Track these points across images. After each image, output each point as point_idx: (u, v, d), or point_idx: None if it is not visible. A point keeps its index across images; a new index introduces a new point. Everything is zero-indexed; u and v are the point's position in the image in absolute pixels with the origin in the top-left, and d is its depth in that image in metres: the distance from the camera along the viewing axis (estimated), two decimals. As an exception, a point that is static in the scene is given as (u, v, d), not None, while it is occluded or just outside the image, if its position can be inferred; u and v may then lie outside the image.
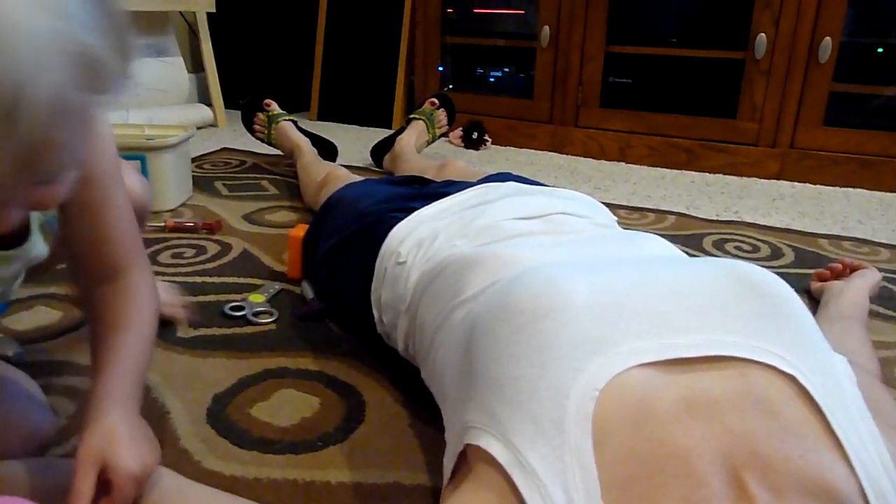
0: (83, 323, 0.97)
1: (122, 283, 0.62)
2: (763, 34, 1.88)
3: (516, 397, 0.48)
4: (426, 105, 1.95)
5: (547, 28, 2.20)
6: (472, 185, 0.96)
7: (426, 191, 0.99)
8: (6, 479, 0.57)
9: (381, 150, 1.90)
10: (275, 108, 1.86)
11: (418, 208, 0.88)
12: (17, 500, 0.51)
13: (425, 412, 0.78)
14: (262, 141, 1.87)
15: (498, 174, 1.12)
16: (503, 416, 0.48)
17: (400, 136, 1.84)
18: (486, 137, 2.29)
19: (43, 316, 1.00)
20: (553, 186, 1.04)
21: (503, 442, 0.47)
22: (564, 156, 2.24)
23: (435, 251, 0.76)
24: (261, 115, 1.85)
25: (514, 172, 1.39)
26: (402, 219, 0.86)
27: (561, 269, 0.56)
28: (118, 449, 0.53)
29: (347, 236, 0.94)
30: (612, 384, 0.48)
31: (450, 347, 0.62)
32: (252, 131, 1.87)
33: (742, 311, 0.51)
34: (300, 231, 1.10)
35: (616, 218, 0.93)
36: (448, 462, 0.55)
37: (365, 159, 2.02)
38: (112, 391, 0.57)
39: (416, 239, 0.81)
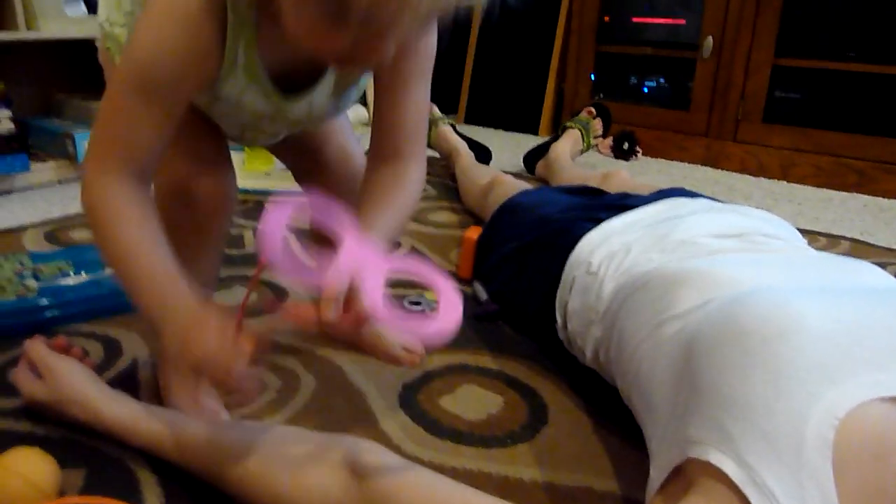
0: (278, 302, 1.06)
1: (399, 167, 0.68)
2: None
3: (750, 416, 0.49)
4: (583, 114, 1.95)
5: (710, 38, 2.13)
6: (654, 199, 0.96)
7: (607, 202, 1.00)
8: None
9: (534, 157, 1.92)
10: (435, 111, 1.93)
11: (605, 219, 0.89)
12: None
13: (607, 421, 0.79)
14: (421, 142, 1.95)
15: (672, 189, 1.11)
16: (735, 433, 0.49)
17: (555, 144, 1.85)
18: (637, 148, 2.25)
19: (240, 296, 1.10)
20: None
21: (736, 460, 0.48)
22: (720, 171, 2.16)
23: (630, 264, 0.77)
24: (422, 118, 1.92)
25: (672, 185, 1.37)
26: (590, 228, 0.87)
27: (788, 292, 0.56)
28: (365, 274, 0.55)
29: (529, 242, 0.96)
30: (853, 414, 0.47)
31: (658, 361, 0.63)
32: (412, 133, 1.95)
33: None
34: (474, 234, 1.14)
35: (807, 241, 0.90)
36: (659, 473, 0.56)
37: (516, 165, 2.05)
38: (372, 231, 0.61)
39: (607, 250, 0.82)
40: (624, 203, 0.95)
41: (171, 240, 0.71)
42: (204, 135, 0.71)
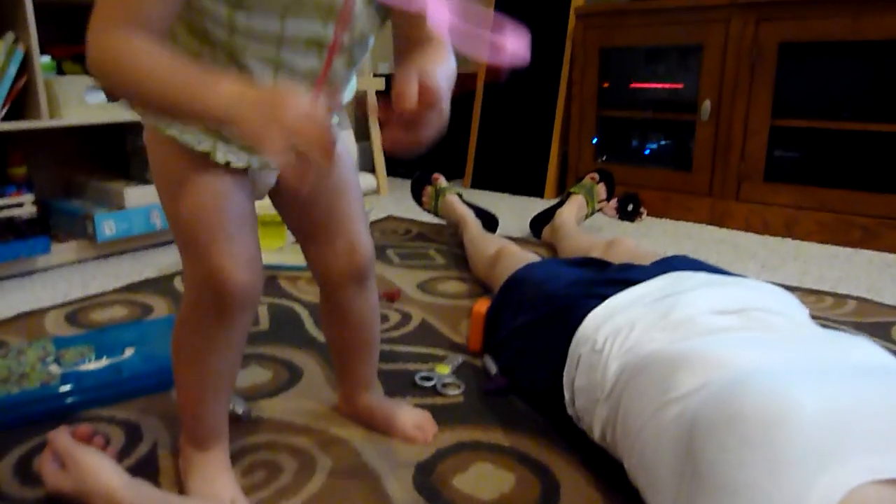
0: (294, 382, 1.09)
1: (429, 45, 0.69)
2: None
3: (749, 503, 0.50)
4: (586, 179, 2.00)
5: (708, 102, 2.20)
6: (655, 271, 0.99)
7: (611, 276, 1.03)
8: None
9: (540, 223, 1.96)
10: (442, 181, 1.99)
11: (609, 294, 0.92)
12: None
13: (619, 498, 0.80)
14: (429, 212, 2.00)
15: (673, 257, 1.14)
16: None
17: (560, 210, 1.89)
18: (642, 210, 2.29)
19: (258, 374, 1.12)
20: (720, 266, 1.05)
21: None
22: (725, 230, 2.19)
23: (633, 342, 0.79)
24: (429, 188, 1.98)
25: (676, 248, 1.40)
26: (594, 305, 0.90)
27: (784, 377, 0.58)
28: (434, 68, 0.62)
29: (537, 318, 0.99)
30: (848, 500, 0.49)
31: (661, 445, 0.64)
32: (420, 203, 2.00)
33: None
34: (483, 306, 1.17)
35: (808, 310, 0.92)
36: None
37: (522, 229, 2.09)
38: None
39: (612, 327, 0.84)
40: (627, 277, 0.98)
41: (198, 331, 0.74)
42: (240, 227, 0.72)
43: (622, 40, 2.42)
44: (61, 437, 0.79)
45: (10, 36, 1.64)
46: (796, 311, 0.89)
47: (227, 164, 0.70)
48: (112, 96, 0.67)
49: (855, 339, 0.71)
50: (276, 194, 0.83)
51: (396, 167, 2.97)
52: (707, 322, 0.78)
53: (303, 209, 0.83)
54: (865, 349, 0.68)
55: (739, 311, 0.81)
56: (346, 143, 0.83)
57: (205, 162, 0.70)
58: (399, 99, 0.57)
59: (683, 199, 2.31)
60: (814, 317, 1.38)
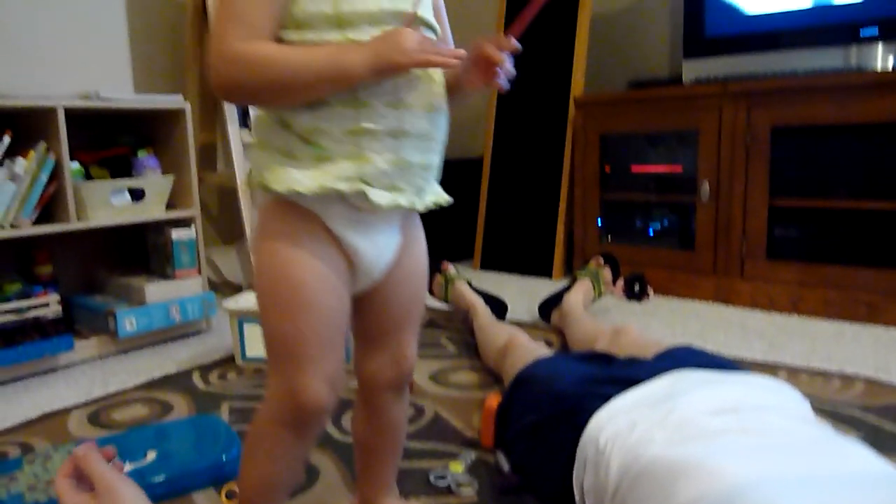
0: (312, 482, 1.11)
1: None
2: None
3: None
4: (591, 263, 2.05)
5: (706, 183, 2.27)
6: (657, 368, 1.03)
7: (615, 373, 1.06)
8: None
9: (548, 307, 2.00)
10: (451, 269, 2.04)
11: (612, 394, 0.95)
12: None
13: None
14: (439, 299, 2.05)
15: (676, 349, 1.18)
16: None
17: (567, 294, 1.94)
18: (648, 290, 2.33)
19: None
20: (728, 347, 1.08)
21: None
22: (731, 307, 2.22)
23: (634, 443, 0.83)
24: (439, 276, 2.04)
25: (684, 329, 1.43)
26: (599, 406, 0.93)
27: (778, 489, 0.61)
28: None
29: (545, 418, 1.02)
30: None
31: None
32: (430, 291, 2.06)
33: None
34: (494, 401, 1.20)
35: (808, 402, 0.95)
36: None
37: (531, 312, 2.13)
38: None
39: (614, 429, 0.87)
40: (630, 375, 1.01)
41: (271, 436, 0.77)
42: (333, 342, 0.75)
43: (620, 126, 2.52)
44: (92, 456, 0.72)
45: (42, 145, 1.74)
46: (795, 405, 0.92)
47: (338, 239, 0.75)
48: (255, 102, 0.75)
49: (852, 446, 0.73)
50: (362, 295, 0.84)
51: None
52: (705, 423, 0.82)
53: (378, 311, 0.85)
54: (861, 456, 0.70)
55: (736, 410, 0.84)
56: (423, 258, 0.87)
57: (318, 252, 0.74)
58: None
59: (688, 278, 2.35)
60: (821, 403, 1.39)
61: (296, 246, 0.74)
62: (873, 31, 2.10)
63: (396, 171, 0.73)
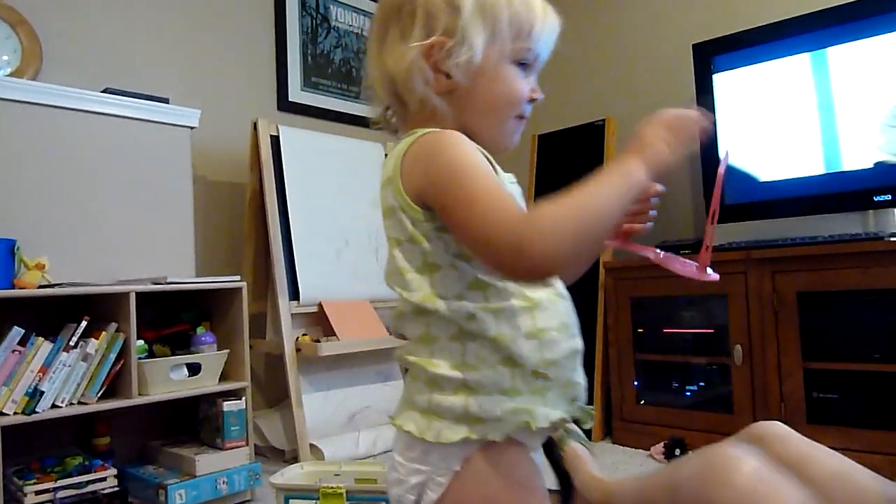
0: None
1: None
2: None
3: None
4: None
5: (739, 347, 2.31)
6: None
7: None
8: None
9: None
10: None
11: None
12: None
13: None
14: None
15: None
16: None
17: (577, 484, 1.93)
18: (689, 453, 2.31)
19: None
20: None
21: None
22: (776, 474, 2.18)
23: None
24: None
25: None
26: None
27: None
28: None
29: None
30: None
31: None
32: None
33: None
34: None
35: None
36: None
37: (572, 481, 2.11)
38: None
39: None
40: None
41: None
42: None
43: (650, 291, 2.61)
44: None
45: (112, 326, 1.91)
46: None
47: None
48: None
49: None
50: None
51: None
52: None
53: None
54: None
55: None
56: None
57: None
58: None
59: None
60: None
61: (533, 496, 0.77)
62: (886, 197, 2.22)
63: None
